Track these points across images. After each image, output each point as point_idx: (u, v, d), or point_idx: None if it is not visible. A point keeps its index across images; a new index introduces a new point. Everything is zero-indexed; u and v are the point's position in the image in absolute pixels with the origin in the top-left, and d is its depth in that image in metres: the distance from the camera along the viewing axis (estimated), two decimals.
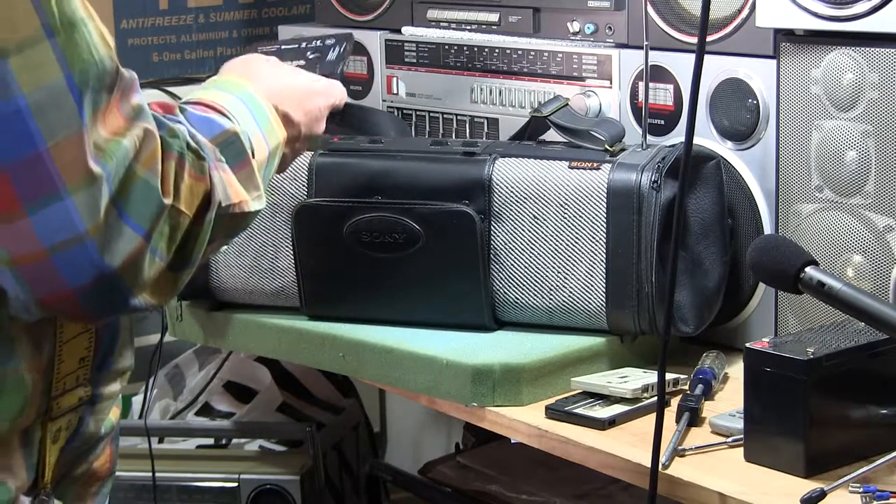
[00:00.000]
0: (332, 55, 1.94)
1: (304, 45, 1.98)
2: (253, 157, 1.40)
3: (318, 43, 1.97)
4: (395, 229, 1.98)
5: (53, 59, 1.17)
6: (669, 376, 1.81)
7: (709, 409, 1.80)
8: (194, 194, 1.27)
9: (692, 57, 1.59)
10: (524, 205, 1.96)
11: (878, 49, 1.80)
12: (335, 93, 1.78)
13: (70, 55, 1.18)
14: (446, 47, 2.37)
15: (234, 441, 2.67)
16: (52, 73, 1.16)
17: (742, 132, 2.00)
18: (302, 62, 1.90)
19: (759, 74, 1.97)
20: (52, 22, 1.17)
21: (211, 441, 2.68)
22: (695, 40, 1.75)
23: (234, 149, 1.37)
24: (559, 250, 1.95)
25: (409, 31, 2.44)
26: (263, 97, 1.53)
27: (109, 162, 1.19)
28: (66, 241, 1.18)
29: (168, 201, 1.23)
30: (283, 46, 1.98)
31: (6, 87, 1.15)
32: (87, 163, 1.17)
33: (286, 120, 1.60)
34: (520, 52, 2.27)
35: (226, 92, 1.49)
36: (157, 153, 1.23)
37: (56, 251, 1.18)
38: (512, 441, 2.18)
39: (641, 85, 2.05)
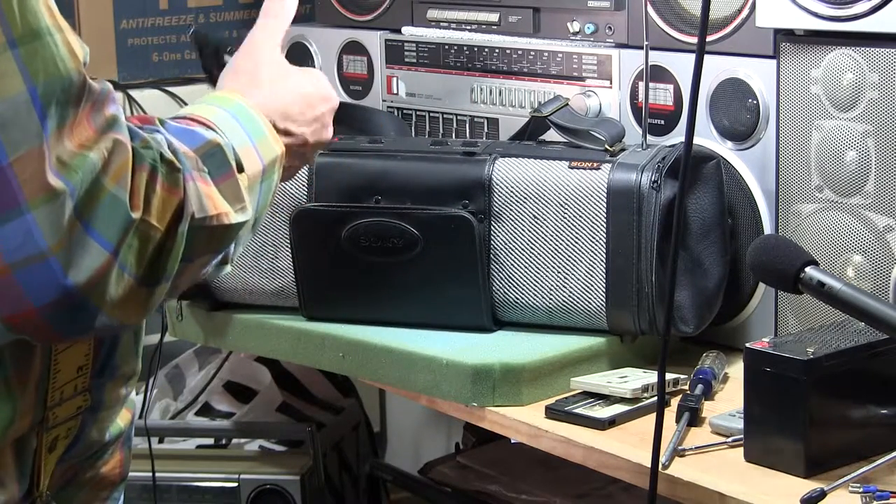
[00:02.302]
0: None
1: None
2: (240, 170, 1.36)
3: None
4: (394, 234, 1.98)
5: (16, 70, 1.13)
6: (669, 376, 1.81)
7: (709, 409, 1.80)
8: (166, 207, 1.23)
9: (692, 57, 1.59)
10: (524, 205, 1.96)
11: (878, 49, 1.80)
12: (334, 95, 1.75)
13: (33, 67, 1.14)
14: (446, 47, 2.37)
15: (234, 441, 2.67)
16: (13, 85, 1.13)
17: (742, 132, 2.00)
18: None
19: (759, 74, 1.97)
20: (15, 32, 1.14)
21: (211, 441, 2.68)
22: (695, 40, 1.75)
23: (216, 160, 1.32)
24: (559, 250, 1.95)
25: (409, 31, 2.44)
26: (258, 111, 1.48)
27: (74, 176, 1.15)
28: (28, 258, 1.14)
29: (137, 215, 1.19)
30: None
31: None
32: (47, 178, 1.14)
33: (286, 133, 1.57)
34: (520, 52, 2.27)
35: (215, 106, 1.45)
36: (128, 165, 1.19)
37: (18, 268, 1.15)
38: (512, 441, 2.18)
39: (641, 85, 2.05)
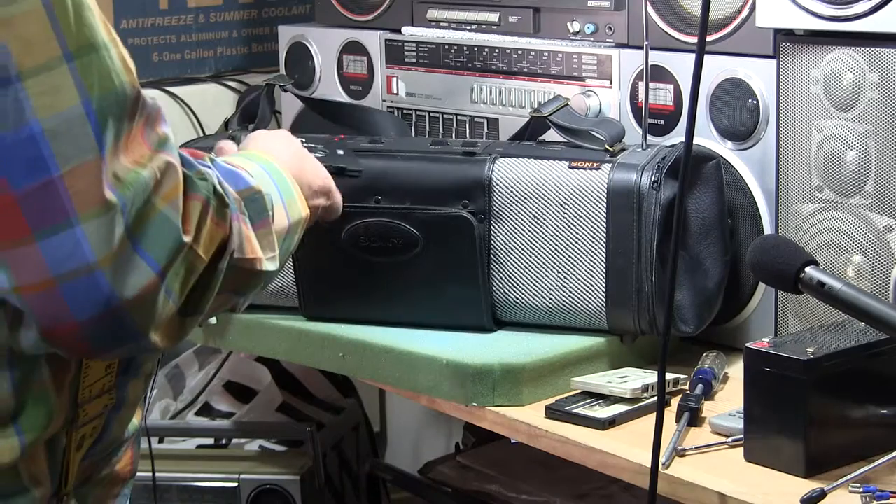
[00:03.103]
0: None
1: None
2: (272, 220, 1.38)
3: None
4: (394, 234, 1.98)
5: (71, 84, 1.14)
6: (669, 376, 1.81)
7: (709, 409, 1.80)
8: (213, 239, 1.24)
9: (692, 57, 1.59)
10: (524, 205, 1.96)
11: (878, 49, 1.80)
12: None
13: (89, 81, 1.15)
14: (446, 47, 2.37)
15: (234, 441, 2.68)
16: (69, 98, 1.14)
17: (742, 132, 2.00)
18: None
19: (759, 74, 1.97)
20: (72, 46, 1.14)
21: (211, 441, 2.68)
22: (695, 40, 1.75)
23: (256, 206, 1.34)
24: (559, 250, 1.95)
25: (409, 31, 2.44)
26: (289, 173, 1.51)
27: (127, 192, 1.16)
28: (75, 271, 1.14)
29: (188, 239, 1.20)
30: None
31: (21, 112, 1.12)
32: (101, 191, 1.14)
33: (312, 193, 1.60)
34: (520, 52, 2.27)
35: (251, 161, 1.48)
36: (179, 189, 1.20)
37: (64, 280, 1.14)
38: (512, 441, 2.18)
39: (641, 85, 2.05)
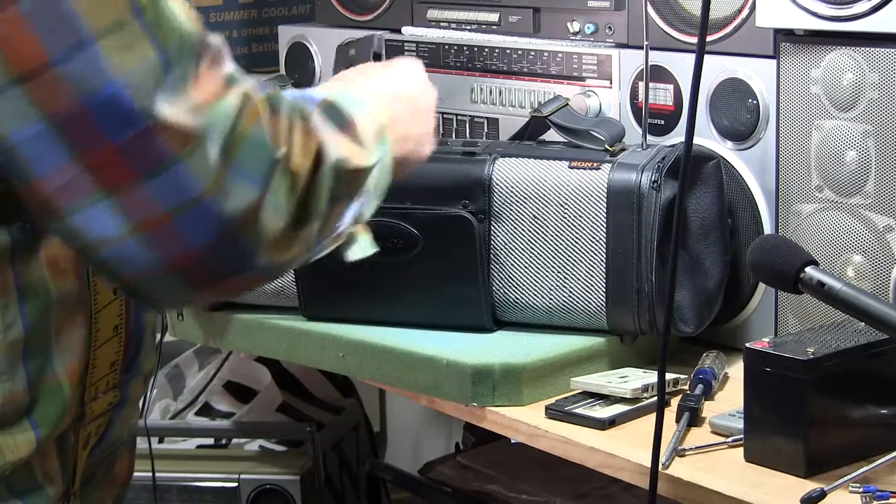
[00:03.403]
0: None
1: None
2: (356, 122, 1.39)
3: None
4: (393, 234, 1.98)
5: (144, 36, 1.17)
6: (669, 376, 1.81)
7: (709, 409, 1.79)
8: (306, 151, 1.27)
9: (692, 57, 1.59)
10: (524, 205, 1.96)
11: (878, 49, 1.80)
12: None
13: (158, 31, 1.18)
14: (446, 47, 2.37)
15: (234, 441, 2.68)
16: (143, 51, 1.17)
17: (742, 132, 2.00)
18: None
19: (759, 74, 1.97)
20: (139, 1, 1.18)
21: (211, 441, 2.68)
22: (695, 40, 1.75)
23: (334, 113, 1.36)
24: (559, 250, 1.95)
25: (409, 31, 2.44)
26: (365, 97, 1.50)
27: (212, 122, 1.20)
28: (185, 203, 1.18)
29: (280, 153, 1.23)
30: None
31: (100, 72, 1.15)
32: (189, 128, 1.18)
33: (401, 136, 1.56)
34: (520, 52, 2.27)
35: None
36: (260, 110, 1.23)
37: (177, 213, 1.19)
38: (512, 441, 2.18)
39: (641, 85, 2.05)
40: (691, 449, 1.69)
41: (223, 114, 1.21)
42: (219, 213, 1.20)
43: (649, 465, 1.60)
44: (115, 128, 1.16)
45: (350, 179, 1.34)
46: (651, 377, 1.86)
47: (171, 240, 1.19)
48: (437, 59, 2.38)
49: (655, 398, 1.70)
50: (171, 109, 1.18)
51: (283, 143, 1.23)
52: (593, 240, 1.93)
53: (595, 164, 1.94)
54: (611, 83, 2.16)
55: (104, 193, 1.17)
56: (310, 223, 1.29)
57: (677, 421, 1.76)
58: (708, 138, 2.03)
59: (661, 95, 2.08)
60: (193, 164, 1.18)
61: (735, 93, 2.00)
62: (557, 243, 1.95)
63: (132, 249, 1.19)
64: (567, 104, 2.05)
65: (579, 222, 1.93)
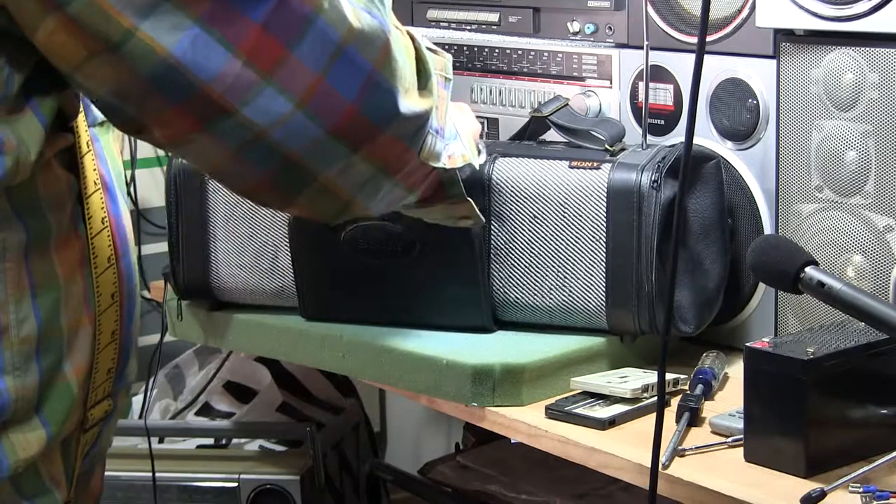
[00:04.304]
0: None
1: None
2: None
3: None
4: (393, 234, 1.98)
5: None
6: (669, 376, 1.81)
7: (709, 409, 1.80)
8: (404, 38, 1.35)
9: (692, 57, 1.59)
10: (524, 204, 1.96)
11: (878, 49, 1.80)
12: None
13: None
14: (446, 47, 2.37)
15: (234, 441, 2.68)
16: None
17: (742, 132, 2.00)
18: None
19: (759, 74, 1.97)
20: None
21: (211, 441, 2.68)
22: (695, 40, 1.75)
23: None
24: (559, 250, 1.95)
25: None
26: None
27: None
28: (332, 56, 1.23)
29: (390, 23, 1.29)
30: None
31: None
32: None
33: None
34: (520, 52, 2.27)
35: None
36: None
37: (327, 72, 1.23)
38: (512, 441, 2.18)
39: (641, 85, 2.05)
40: (691, 449, 1.69)
41: None
42: (360, 57, 1.25)
43: (649, 465, 1.60)
44: (254, 4, 1.19)
45: (415, 59, 1.40)
46: (651, 377, 1.86)
47: (330, 100, 1.24)
48: None
49: (655, 398, 1.70)
50: None
51: (387, 14, 1.31)
52: (593, 240, 1.93)
53: (595, 164, 1.94)
54: (611, 83, 2.16)
55: (267, 78, 1.20)
56: (429, 91, 1.37)
57: (677, 421, 1.76)
58: (708, 138, 2.03)
59: (661, 95, 2.09)
60: (330, 15, 1.22)
61: (735, 93, 2.00)
62: (557, 243, 1.95)
63: (300, 122, 1.23)
64: (567, 104, 2.06)
65: (579, 222, 1.93)
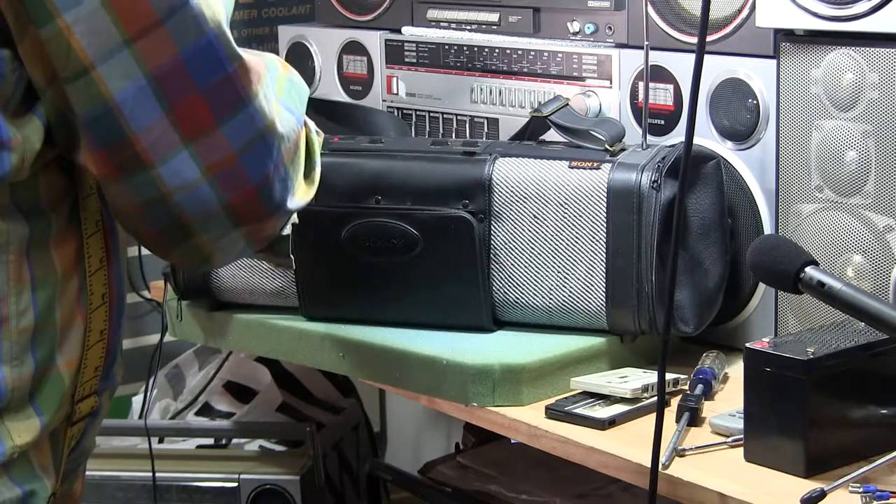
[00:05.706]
0: None
1: None
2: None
3: None
4: (394, 235, 1.98)
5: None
6: (669, 376, 1.81)
7: (709, 409, 1.80)
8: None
9: (692, 57, 1.59)
10: (524, 205, 1.96)
11: (878, 49, 1.80)
12: None
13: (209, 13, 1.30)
14: (446, 47, 2.37)
15: (234, 441, 2.68)
16: (218, 9, 1.29)
17: (742, 132, 2.00)
18: None
19: (759, 74, 1.97)
20: None
21: (211, 441, 2.68)
22: (695, 40, 1.75)
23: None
24: (559, 250, 1.95)
25: (409, 31, 2.44)
26: None
27: (268, 59, 1.39)
28: (251, 140, 1.33)
29: (307, 94, 1.46)
30: None
31: (198, 25, 1.26)
32: (258, 65, 1.33)
33: None
34: (520, 52, 2.27)
35: None
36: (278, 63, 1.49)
37: (243, 152, 1.32)
38: (512, 441, 2.18)
39: (641, 85, 2.05)
40: (691, 449, 1.69)
41: (270, 56, 1.42)
42: (275, 148, 1.35)
43: (649, 465, 1.60)
44: (206, 74, 1.28)
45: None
46: (651, 377, 1.86)
47: (235, 178, 1.33)
48: (437, 59, 2.38)
49: (655, 398, 1.70)
50: (246, 52, 1.31)
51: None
52: (593, 240, 1.93)
53: (595, 164, 1.94)
54: (611, 83, 2.16)
55: (187, 143, 1.29)
56: (311, 181, 1.51)
57: (677, 421, 1.76)
58: (708, 138, 2.03)
59: (661, 95, 2.09)
60: (261, 104, 1.33)
61: (735, 93, 2.00)
62: (557, 243, 1.95)
63: (203, 191, 1.32)
64: (567, 104, 2.06)
65: (579, 222, 1.93)
